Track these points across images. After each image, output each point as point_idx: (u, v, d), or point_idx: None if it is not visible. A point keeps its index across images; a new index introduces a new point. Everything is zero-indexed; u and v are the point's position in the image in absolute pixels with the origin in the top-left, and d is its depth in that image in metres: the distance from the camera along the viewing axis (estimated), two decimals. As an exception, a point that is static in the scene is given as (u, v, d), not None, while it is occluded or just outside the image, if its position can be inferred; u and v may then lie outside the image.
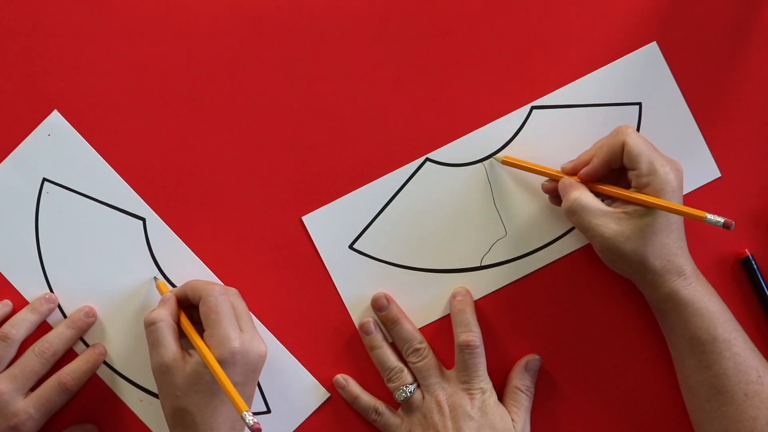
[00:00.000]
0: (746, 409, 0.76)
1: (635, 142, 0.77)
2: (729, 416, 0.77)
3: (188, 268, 0.86)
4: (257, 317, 0.86)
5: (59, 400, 0.83)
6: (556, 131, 0.85)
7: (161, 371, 0.78)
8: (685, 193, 0.84)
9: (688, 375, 0.80)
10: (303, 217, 0.86)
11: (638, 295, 0.83)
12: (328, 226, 0.86)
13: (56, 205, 0.86)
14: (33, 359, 0.82)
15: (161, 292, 0.84)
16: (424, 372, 0.84)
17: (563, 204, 0.80)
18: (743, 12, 0.85)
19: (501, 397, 0.84)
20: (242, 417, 0.72)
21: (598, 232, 0.78)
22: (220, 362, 0.76)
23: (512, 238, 0.86)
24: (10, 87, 0.85)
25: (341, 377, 0.86)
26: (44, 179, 0.85)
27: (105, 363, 0.86)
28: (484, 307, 0.86)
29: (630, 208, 0.78)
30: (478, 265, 0.86)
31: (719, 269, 0.85)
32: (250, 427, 0.71)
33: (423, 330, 0.86)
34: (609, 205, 0.79)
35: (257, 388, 0.85)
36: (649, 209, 0.77)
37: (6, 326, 0.83)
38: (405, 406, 0.84)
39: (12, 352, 0.83)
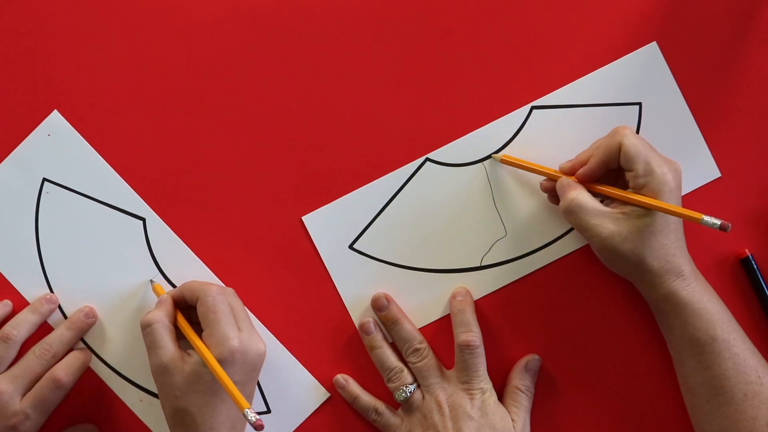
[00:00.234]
0: (745, 410, 0.76)
1: (632, 142, 0.77)
2: (728, 416, 0.77)
3: (188, 268, 0.86)
4: (257, 317, 0.86)
5: (55, 397, 0.82)
6: (556, 131, 0.85)
7: (160, 372, 0.78)
8: (684, 193, 0.84)
9: (687, 375, 0.80)
10: (303, 217, 0.86)
11: (638, 295, 0.83)
12: (328, 226, 0.86)
13: (56, 205, 0.86)
14: (33, 360, 0.82)
15: (158, 294, 0.84)
16: (424, 372, 0.84)
17: (561, 204, 0.80)
18: (743, 12, 0.85)
19: (501, 397, 0.84)
20: (244, 414, 0.72)
21: (595, 232, 0.78)
22: (220, 361, 0.76)
23: (512, 238, 0.86)
24: (10, 87, 0.86)
25: (341, 377, 0.86)
26: (44, 179, 0.86)
27: (105, 363, 0.86)
28: (484, 307, 0.86)
29: (628, 208, 0.77)
30: (478, 265, 0.86)
31: (719, 269, 0.85)
32: (252, 424, 0.71)
33: (423, 330, 0.86)
34: (607, 205, 0.79)
35: (257, 388, 0.85)
36: (648, 209, 0.77)
37: (7, 327, 0.83)
38: (405, 406, 0.84)
39: (13, 353, 0.83)
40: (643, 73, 0.85)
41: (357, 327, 0.86)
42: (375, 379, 0.86)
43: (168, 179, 0.86)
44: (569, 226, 0.85)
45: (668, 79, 0.85)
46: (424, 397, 0.84)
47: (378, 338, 0.85)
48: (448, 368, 0.85)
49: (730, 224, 0.71)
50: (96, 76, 0.86)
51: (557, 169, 0.83)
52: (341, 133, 0.86)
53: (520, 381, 0.84)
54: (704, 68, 0.85)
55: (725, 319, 0.78)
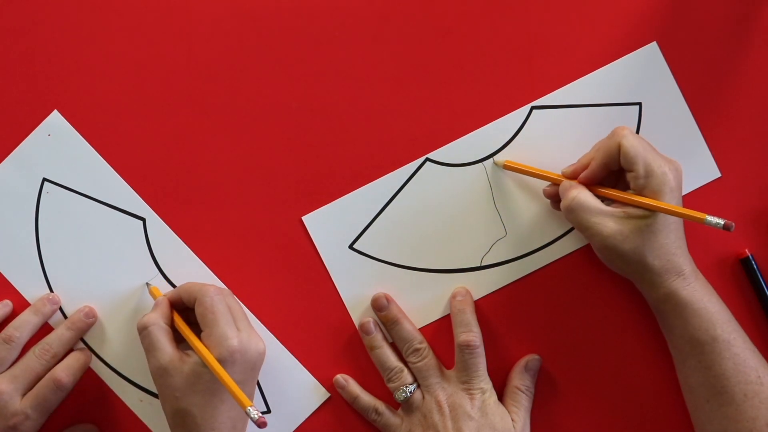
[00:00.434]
0: (745, 410, 0.76)
1: (631, 143, 0.77)
2: (728, 416, 0.77)
3: (188, 268, 0.86)
4: (257, 317, 0.86)
5: (55, 398, 0.82)
6: (556, 131, 0.85)
7: (159, 374, 0.78)
8: (685, 193, 0.84)
9: (688, 375, 0.80)
10: (303, 217, 0.86)
11: (638, 295, 0.83)
12: (328, 226, 0.86)
13: (56, 205, 0.86)
14: (33, 360, 0.82)
15: (154, 297, 0.84)
16: (424, 372, 0.84)
17: (562, 203, 0.80)
18: (743, 12, 0.85)
19: (501, 397, 0.84)
20: (246, 412, 0.72)
21: (596, 231, 0.78)
22: (220, 361, 0.76)
23: (512, 238, 0.86)
24: (10, 87, 0.86)
25: (341, 377, 0.86)
26: (44, 179, 0.86)
27: (105, 363, 0.86)
28: (484, 307, 0.86)
29: (629, 207, 0.77)
30: (478, 265, 0.86)
31: (719, 269, 0.85)
32: (255, 422, 0.71)
33: (423, 330, 0.86)
34: (608, 205, 0.79)
35: (257, 388, 0.85)
36: (647, 209, 0.77)
37: (9, 328, 0.83)
38: (405, 406, 0.84)
39: (15, 354, 0.83)
40: (643, 73, 0.85)
41: (357, 327, 0.86)
42: (375, 379, 0.86)
43: (168, 179, 0.86)
44: (569, 227, 0.85)
45: (668, 79, 0.85)
46: (424, 397, 0.84)
47: (378, 338, 0.85)
48: (448, 368, 0.85)
49: (733, 224, 0.71)
50: (96, 76, 0.86)
51: (560, 174, 0.83)
52: (341, 133, 0.86)
53: (520, 381, 0.84)
54: (704, 68, 0.85)
55: (725, 318, 0.78)
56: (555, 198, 0.83)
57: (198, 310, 0.79)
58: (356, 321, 0.86)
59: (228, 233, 0.86)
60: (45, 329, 0.85)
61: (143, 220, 0.86)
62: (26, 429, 0.81)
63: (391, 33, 0.86)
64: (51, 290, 0.86)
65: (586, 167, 0.80)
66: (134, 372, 0.86)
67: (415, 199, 0.86)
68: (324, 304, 0.86)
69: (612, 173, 0.80)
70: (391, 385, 0.84)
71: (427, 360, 0.84)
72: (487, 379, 0.84)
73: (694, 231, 0.81)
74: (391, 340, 0.86)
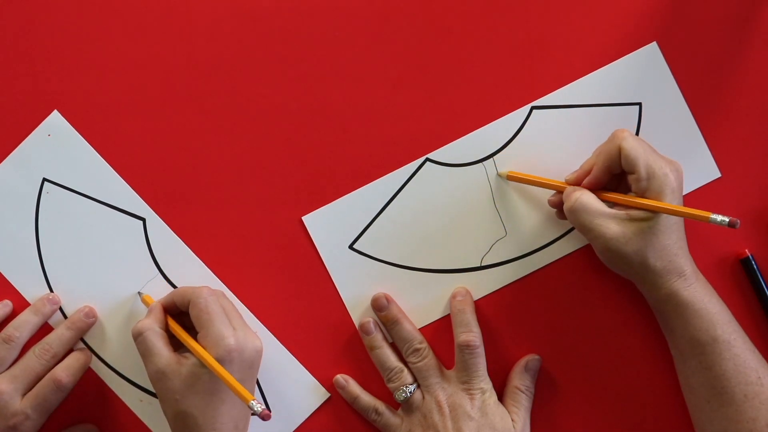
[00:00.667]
0: (746, 410, 0.76)
1: (631, 146, 0.77)
2: (729, 417, 0.77)
3: (188, 268, 0.86)
4: (257, 317, 0.86)
5: (55, 398, 0.82)
6: (556, 131, 0.85)
7: (158, 378, 0.78)
8: (685, 193, 0.84)
9: (688, 375, 0.80)
10: (303, 217, 0.86)
11: (638, 295, 0.83)
12: (328, 226, 0.86)
13: (56, 205, 0.86)
14: (33, 360, 0.82)
15: (147, 305, 0.84)
16: (424, 372, 0.84)
17: (565, 205, 0.80)
18: (743, 12, 0.85)
19: (501, 398, 0.84)
20: (249, 406, 0.72)
21: (599, 233, 0.78)
22: (218, 361, 0.76)
23: (512, 238, 0.86)
24: (10, 87, 0.85)
25: (341, 377, 0.86)
26: (44, 179, 0.85)
27: (105, 363, 0.86)
28: (484, 308, 0.86)
29: (632, 210, 0.77)
30: (478, 265, 0.86)
31: (719, 269, 0.85)
32: (259, 415, 0.71)
33: (423, 330, 0.86)
34: (610, 207, 0.79)
35: (257, 388, 0.85)
36: (651, 211, 0.77)
37: (9, 328, 0.83)
38: (405, 406, 0.84)
39: (14, 354, 0.83)
40: (643, 73, 0.85)
41: (357, 327, 0.86)
42: (375, 379, 0.86)
43: (168, 179, 0.86)
44: (569, 227, 0.85)
45: (668, 79, 0.85)
46: (424, 397, 0.84)
47: (378, 338, 0.85)
48: (448, 368, 0.85)
49: (738, 220, 0.71)
50: (96, 76, 0.86)
51: (563, 182, 0.82)
52: (341, 133, 0.86)
53: (520, 381, 0.84)
54: (704, 68, 0.85)
55: (726, 319, 0.78)
56: (560, 207, 0.82)
57: (192, 312, 0.79)
58: (356, 321, 0.86)
59: (228, 233, 0.86)
60: (45, 329, 0.85)
61: (143, 220, 0.86)
62: (26, 429, 0.81)
63: (391, 33, 0.86)
64: (51, 290, 0.86)
65: (588, 173, 0.80)
66: (134, 372, 0.86)
67: (416, 200, 0.86)
68: (324, 304, 0.86)
69: (614, 176, 0.80)
70: (391, 386, 0.84)
71: (427, 360, 0.84)
72: (487, 379, 0.84)
73: (694, 231, 0.81)
74: (391, 340, 0.86)
